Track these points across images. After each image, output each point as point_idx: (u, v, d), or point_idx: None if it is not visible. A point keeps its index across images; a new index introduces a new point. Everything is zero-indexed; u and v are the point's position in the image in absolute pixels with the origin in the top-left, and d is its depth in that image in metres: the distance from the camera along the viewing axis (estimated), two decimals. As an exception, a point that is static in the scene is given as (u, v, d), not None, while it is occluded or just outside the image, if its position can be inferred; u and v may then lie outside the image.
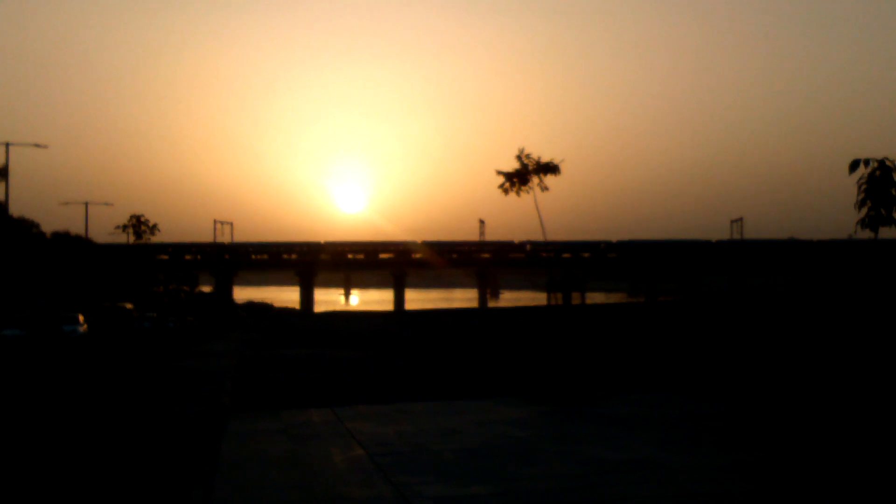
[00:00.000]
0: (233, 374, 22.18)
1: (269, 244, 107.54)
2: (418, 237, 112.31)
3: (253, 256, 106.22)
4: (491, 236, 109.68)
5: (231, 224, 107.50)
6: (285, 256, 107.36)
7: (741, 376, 15.88)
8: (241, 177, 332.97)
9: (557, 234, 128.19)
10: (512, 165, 17.90)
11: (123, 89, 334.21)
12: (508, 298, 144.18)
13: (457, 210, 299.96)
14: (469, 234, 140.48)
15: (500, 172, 17.73)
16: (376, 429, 11.44)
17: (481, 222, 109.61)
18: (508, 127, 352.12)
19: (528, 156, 17.63)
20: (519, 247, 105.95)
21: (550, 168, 17.87)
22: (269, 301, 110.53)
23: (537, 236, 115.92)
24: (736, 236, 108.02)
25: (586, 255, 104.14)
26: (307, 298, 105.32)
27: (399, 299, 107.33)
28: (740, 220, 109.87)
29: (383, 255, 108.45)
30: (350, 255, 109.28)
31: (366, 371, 21.47)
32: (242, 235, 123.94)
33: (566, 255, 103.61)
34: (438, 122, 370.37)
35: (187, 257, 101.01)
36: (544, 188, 17.56)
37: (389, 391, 16.30)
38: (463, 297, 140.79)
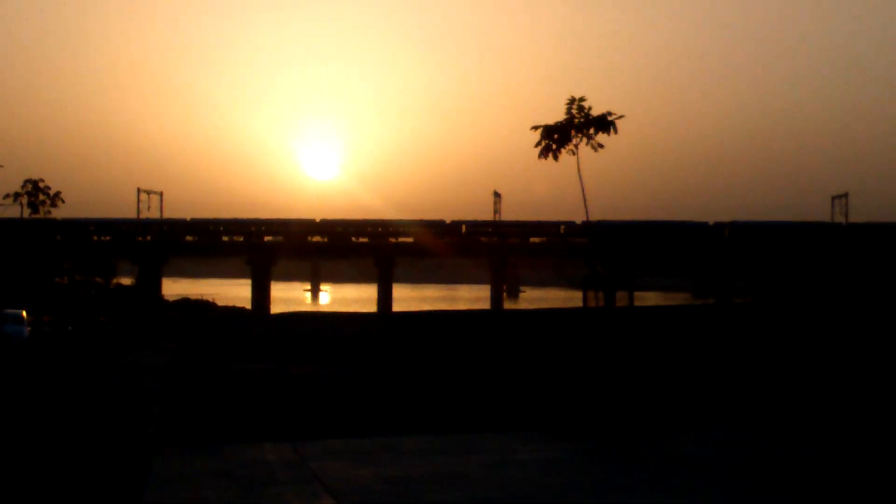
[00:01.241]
0: (161, 395, 22.12)
1: (211, 222, 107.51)
2: (411, 214, 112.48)
3: (189, 238, 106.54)
4: (511, 214, 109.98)
5: (160, 195, 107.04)
6: (232, 239, 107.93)
7: (844, 408, 15.75)
8: (175, 133, 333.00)
9: (605, 213, 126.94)
10: (548, 119, 18.34)
11: (14, 14, 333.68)
12: (532, 298, 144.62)
13: (465, 180, 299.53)
14: (480, 211, 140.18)
15: (537, 127, 18.14)
16: (352, 471, 11.33)
17: (496, 196, 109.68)
18: (539, 72, 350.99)
19: (580, 104, 18.07)
20: (451, 228, 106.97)
21: (602, 123, 18.11)
22: (210, 298, 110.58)
23: (576, 214, 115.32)
24: (839, 218, 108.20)
25: (537, 239, 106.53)
26: (262, 295, 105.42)
27: (385, 297, 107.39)
28: (845, 196, 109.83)
29: (363, 239, 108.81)
30: (319, 238, 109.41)
31: (338, 393, 21.42)
32: (176, 210, 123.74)
33: (513, 241, 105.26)
34: (442, 65, 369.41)
35: (100, 238, 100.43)
36: (597, 146, 17.96)
37: (370, 420, 16.23)
38: (471, 297, 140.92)
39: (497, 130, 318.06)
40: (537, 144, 18.41)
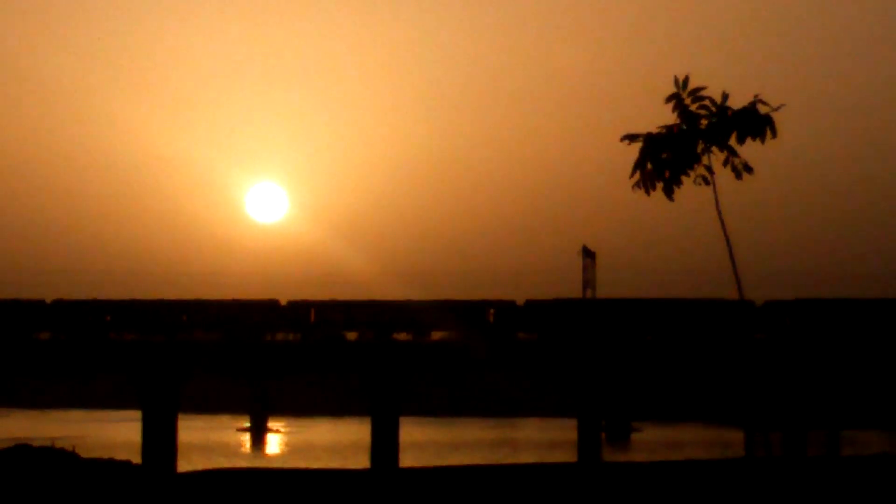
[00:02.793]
0: None
1: (64, 305, 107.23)
2: (427, 288, 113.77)
3: (39, 336, 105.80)
4: (614, 282, 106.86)
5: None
6: (120, 335, 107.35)
7: None
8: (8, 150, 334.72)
9: (767, 279, 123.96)
10: (656, 121, 18.56)
11: None
12: (652, 441, 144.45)
13: (531, 228, 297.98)
14: (563, 282, 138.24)
15: (633, 138, 18.49)
16: None
17: (587, 256, 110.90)
18: (649, 44, 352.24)
19: (697, 93, 18.23)
20: (291, 311, 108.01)
21: (754, 121, 18.11)
22: (69, 445, 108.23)
23: (722, 286, 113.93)
24: None
25: (442, 335, 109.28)
26: (162, 439, 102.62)
27: (385, 444, 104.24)
28: None
29: (349, 334, 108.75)
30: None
31: None
32: (15, 285, 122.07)
33: (401, 338, 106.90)
34: (479, 24, 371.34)
35: None
36: (741, 169, 18.47)
37: None
38: (542, 439, 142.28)
39: (581, 143, 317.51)
40: (635, 173, 18.68)
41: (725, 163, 18.47)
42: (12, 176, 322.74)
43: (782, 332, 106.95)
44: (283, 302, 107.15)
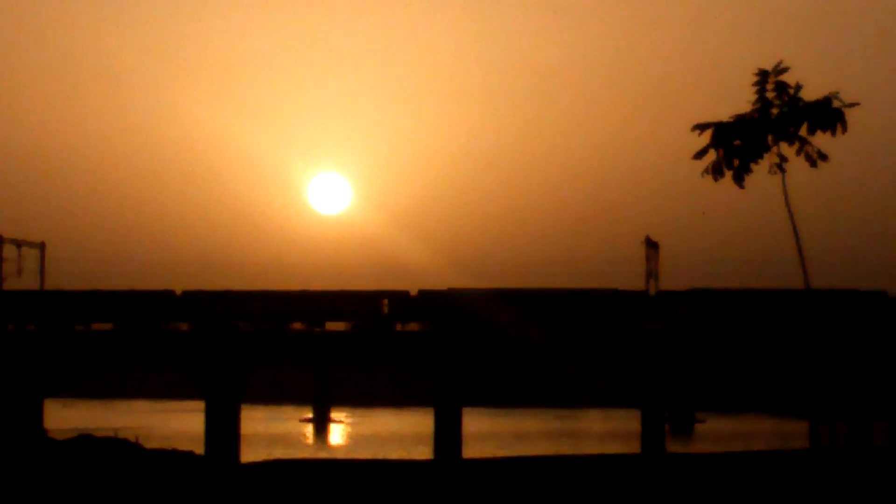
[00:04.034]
0: None
1: (117, 295, 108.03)
2: (487, 277, 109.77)
3: (94, 327, 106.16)
4: (684, 273, 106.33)
5: (41, 247, 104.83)
6: (173, 326, 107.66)
7: None
8: (64, 147, 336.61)
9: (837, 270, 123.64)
10: (722, 110, 18.29)
11: None
12: (716, 432, 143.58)
13: (593, 215, 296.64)
14: (626, 273, 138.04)
15: (703, 127, 18.88)
16: None
17: (650, 246, 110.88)
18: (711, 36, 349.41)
19: (780, 81, 18.42)
20: (166, 303, 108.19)
21: (826, 114, 18.36)
22: (132, 436, 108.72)
23: (789, 277, 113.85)
24: None
25: (339, 325, 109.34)
26: (225, 430, 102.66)
27: (448, 434, 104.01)
28: None
29: (410, 326, 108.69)
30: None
31: None
32: (72, 274, 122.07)
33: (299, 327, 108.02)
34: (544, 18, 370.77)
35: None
36: (816, 157, 18.77)
37: None
38: (605, 430, 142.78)
39: (645, 133, 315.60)
40: (700, 155, 18.94)
41: (799, 152, 18.71)
42: (86, 170, 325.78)
43: (675, 322, 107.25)
44: (179, 292, 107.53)
